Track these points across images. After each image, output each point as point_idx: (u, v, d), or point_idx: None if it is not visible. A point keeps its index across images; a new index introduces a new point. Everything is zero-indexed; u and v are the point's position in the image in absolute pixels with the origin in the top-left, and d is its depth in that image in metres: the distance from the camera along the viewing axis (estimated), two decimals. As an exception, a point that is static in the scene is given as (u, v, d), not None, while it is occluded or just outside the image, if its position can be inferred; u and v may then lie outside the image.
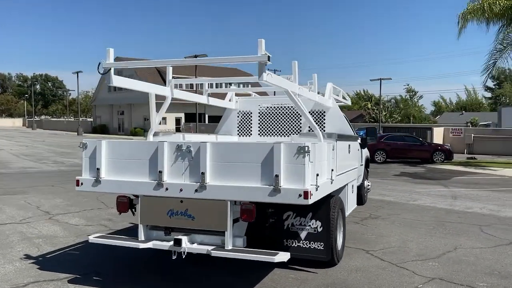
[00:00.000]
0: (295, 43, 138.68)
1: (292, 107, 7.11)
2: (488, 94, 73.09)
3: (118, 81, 4.64)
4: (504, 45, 17.04)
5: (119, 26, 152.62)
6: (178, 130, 48.10)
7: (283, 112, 7.35)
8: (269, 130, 7.41)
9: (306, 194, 3.96)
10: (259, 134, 7.43)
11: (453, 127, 30.41)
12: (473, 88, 74.13)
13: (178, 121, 48.72)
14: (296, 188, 3.98)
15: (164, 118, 47.23)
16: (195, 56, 25.70)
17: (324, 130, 6.83)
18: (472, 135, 28.23)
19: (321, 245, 4.77)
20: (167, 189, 4.28)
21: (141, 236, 4.50)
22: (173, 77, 5.74)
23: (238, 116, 7.63)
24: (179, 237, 4.30)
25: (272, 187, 4.01)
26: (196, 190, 4.20)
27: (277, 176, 3.99)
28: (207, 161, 4.18)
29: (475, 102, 72.85)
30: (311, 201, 3.98)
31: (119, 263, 5.33)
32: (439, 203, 9.91)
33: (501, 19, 17.78)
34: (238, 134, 7.61)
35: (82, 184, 4.58)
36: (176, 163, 4.30)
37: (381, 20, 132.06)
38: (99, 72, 4.40)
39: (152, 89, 5.37)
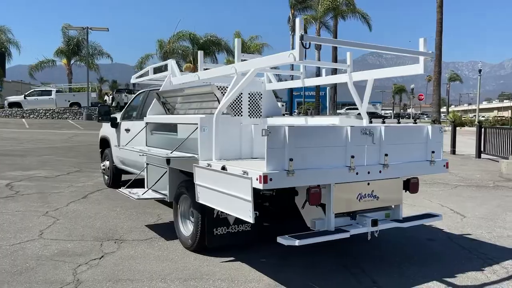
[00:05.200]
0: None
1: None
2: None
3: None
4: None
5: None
6: None
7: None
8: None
9: (447, 165, 4.92)
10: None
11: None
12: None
13: None
14: (442, 160, 4.85)
15: None
16: None
17: (261, 111, 6.83)
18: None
19: None
20: (357, 173, 4.15)
21: (332, 225, 4.12)
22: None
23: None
24: (375, 217, 4.27)
25: (428, 161, 4.71)
26: (380, 171, 4.29)
27: (433, 152, 4.71)
28: (389, 143, 4.35)
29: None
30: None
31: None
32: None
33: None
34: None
35: (271, 180, 3.65)
36: (360, 146, 4.22)
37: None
38: (303, 46, 3.70)
39: None
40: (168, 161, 5.32)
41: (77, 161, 12.81)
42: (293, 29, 35.41)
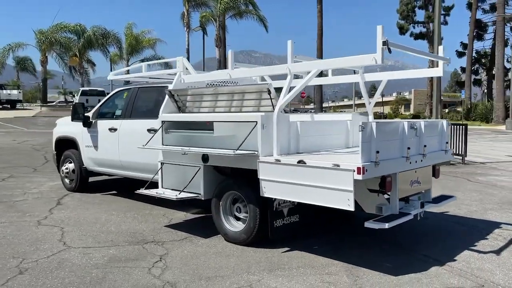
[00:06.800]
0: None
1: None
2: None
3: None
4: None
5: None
6: None
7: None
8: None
9: (452, 153, 5.76)
10: None
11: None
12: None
13: None
14: (451, 149, 5.78)
15: None
16: None
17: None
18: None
19: None
20: (410, 162, 4.75)
21: (396, 209, 4.63)
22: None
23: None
24: (421, 200, 4.91)
25: (443, 150, 5.55)
26: (421, 160, 4.97)
27: (447, 142, 5.56)
28: (426, 135, 5.05)
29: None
30: None
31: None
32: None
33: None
34: None
35: (367, 171, 4.03)
36: (409, 139, 4.82)
37: None
38: (389, 51, 4.09)
39: None
40: (205, 159, 5.33)
41: (-3, 166, 11.41)
42: (187, 26, 35.24)
